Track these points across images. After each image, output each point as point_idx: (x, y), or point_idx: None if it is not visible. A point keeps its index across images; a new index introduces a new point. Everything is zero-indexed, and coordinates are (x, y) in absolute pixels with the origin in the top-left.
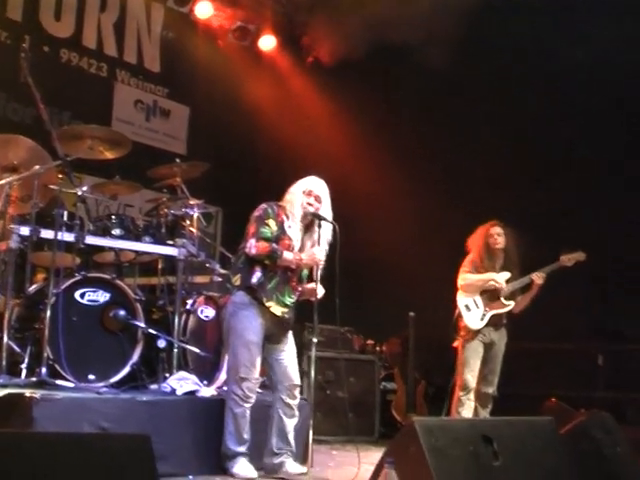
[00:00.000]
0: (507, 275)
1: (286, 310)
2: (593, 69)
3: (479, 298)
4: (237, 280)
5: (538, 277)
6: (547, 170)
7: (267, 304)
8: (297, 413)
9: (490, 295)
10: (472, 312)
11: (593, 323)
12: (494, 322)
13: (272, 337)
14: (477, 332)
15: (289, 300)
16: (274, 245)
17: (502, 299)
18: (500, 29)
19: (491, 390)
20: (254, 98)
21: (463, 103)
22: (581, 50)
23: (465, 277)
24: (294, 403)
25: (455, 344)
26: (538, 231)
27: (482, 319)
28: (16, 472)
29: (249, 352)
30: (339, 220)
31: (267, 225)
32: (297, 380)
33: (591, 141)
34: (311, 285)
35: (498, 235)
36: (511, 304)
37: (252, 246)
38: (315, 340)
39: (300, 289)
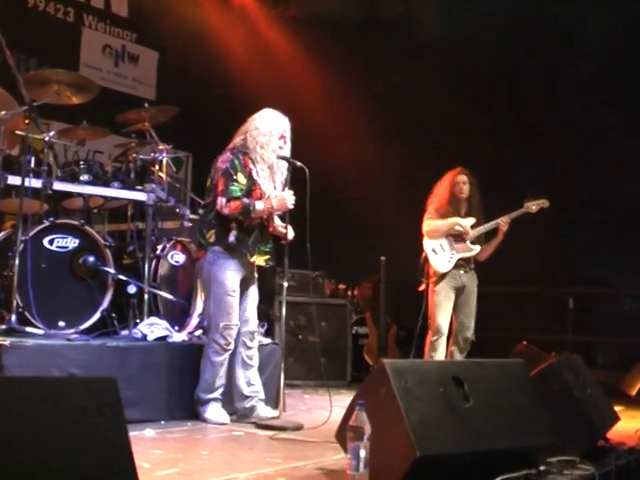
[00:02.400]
0: (472, 221)
1: (268, 257)
2: None
3: (445, 241)
4: (212, 236)
5: (504, 222)
6: (512, 117)
7: (252, 259)
8: (257, 355)
9: (456, 239)
10: (439, 255)
11: (564, 267)
12: (462, 265)
13: (242, 283)
14: (445, 275)
15: (269, 247)
16: (245, 200)
17: (468, 243)
18: None
19: (469, 334)
20: (224, 43)
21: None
22: None
23: (430, 223)
24: (255, 345)
25: (421, 288)
26: (502, 177)
27: (449, 262)
28: None
29: (232, 299)
30: (311, 163)
31: (236, 181)
32: (256, 325)
33: (557, 86)
34: (281, 227)
35: (464, 183)
36: (477, 248)
37: (223, 206)
38: (286, 284)
39: (271, 229)
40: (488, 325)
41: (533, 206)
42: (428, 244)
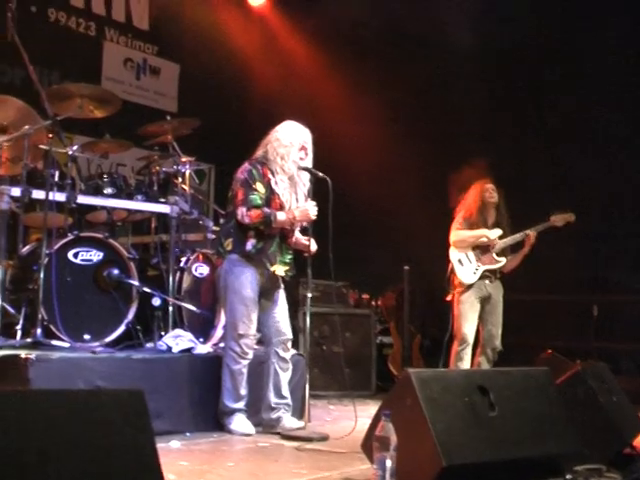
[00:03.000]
0: (499, 232)
1: (287, 268)
2: None
3: (471, 253)
4: (229, 245)
5: (532, 236)
6: (536, 124)
7: (272, 268)
8: (291, 366)
9: (482, 251)
10: (465, 267)
11: (588, 274)
12: (487, 276)
13: (266, 293)
14: (471, 285)
15: (288, 257)
16: (266, 210)
17: (494, 255)
18: None
19: (497, 343)
20: (244, 54)
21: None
22: None
23: (457, 233)
24: (288, 356)
25: (448, 298)
26: (526, 183)
27: (475, 273)
28: (8, 429)
29: (246, 308)
30: (333, 174)
31: (255, 190)
32: (290, 334)
33: (582, 98)
34: (304, 239)
35: (493, 190)
36: (503, 260)
37: (244, 215)
38: (309, 295)
39: (294, 241)
40: (512, 333)
41: (559, 220)
42: (454, 255)
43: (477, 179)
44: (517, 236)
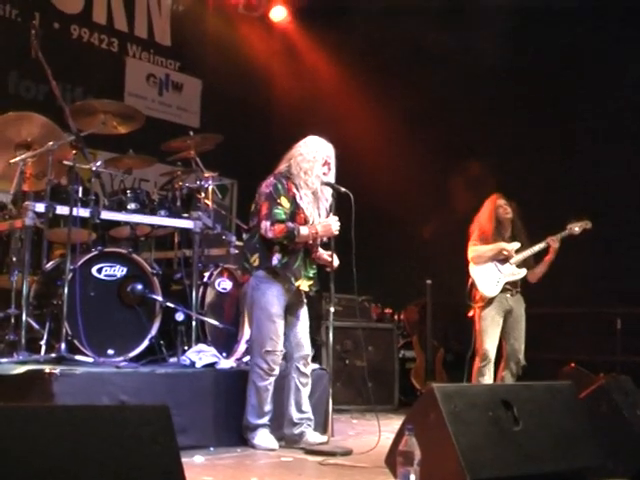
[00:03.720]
0: (517, 245)
1: (311, 283)
2: None
3: (491, 265)
4: (255, 260)
5: (554, 241)
6: (555, 134)
7: (296, 283)
8: (310, 381)
9: (501, 263)
10: (486, 280)
11: (611, 286)
12: (509, 289)
13: (290, 308)
14: (492, 300)
15: (312, 272)
16: (290, 224)
17: (513, 266)
18: None
19: (521, 357)
20: (266, 68)
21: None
22: None
23: (475, 249)
24: (308, 371)
25: (470, 314)
26: (544, 194)
27: (497, 285)
28: (34, 445)
29: (273, 325)
30: (355, 188)
31: (280, 205)
32: (309, 349)
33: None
34: (327, 254)
35: (506, 205)
36: (523, 271)
37: (268, 230)
38: (332, 310)
39: (317, 256)
40: (535, 347)
41: (576, 227)
42: (474, 270)
43: (487, 193)
44: (536, 248)
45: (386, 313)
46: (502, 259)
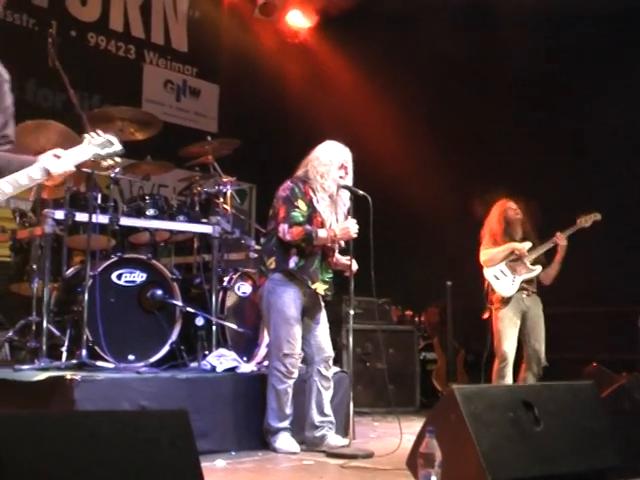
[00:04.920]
0: (529, 244)
1: (327, 287)
2: None
3: (505, 266)
4: (272, 263)
5: (560, 238)
6: (569, 135)
7: (313, 286)
8: (332, 384)
9: (515, 262)
10: (501, 280)
11: (631, 285)
12: (525, 288)
13: (308, 311)
14: (509, 300)
15: (328, 277)
16: (308, 227)
17: (528, 264)
18: None
19: (542, 357)
20: (284, 73)
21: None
22: None
23: (486, 252)
24: (330, 374)
25: (485, 316)
26: (560, 193)
27: (513, 284)
28: (54, 450)
29: (291, 327)
30: (373, 191)
31: (297, 208)
32: (331, 351)
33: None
34: (345, 259)
35: (515, 207)
36: (538, 268)
37: (286, 232)
38: (352, 312)
39: (335, 261)
40: (556, 347)
41: (586, 220)
42: (488, 272)
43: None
44: (547, 244)
45: (406, 315)
46: (515, 259)
